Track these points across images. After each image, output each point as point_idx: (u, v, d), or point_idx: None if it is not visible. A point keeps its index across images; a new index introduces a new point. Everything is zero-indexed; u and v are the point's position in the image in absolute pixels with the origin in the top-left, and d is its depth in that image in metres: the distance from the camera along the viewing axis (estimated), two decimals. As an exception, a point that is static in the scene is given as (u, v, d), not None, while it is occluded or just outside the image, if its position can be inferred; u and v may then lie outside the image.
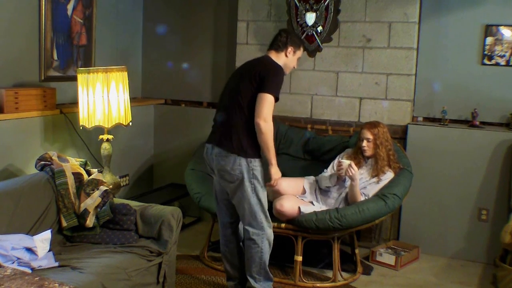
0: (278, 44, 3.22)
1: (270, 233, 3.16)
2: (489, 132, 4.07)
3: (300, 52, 3.30)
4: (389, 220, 4.29)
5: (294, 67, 3.32)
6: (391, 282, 3.76)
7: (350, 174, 3.55)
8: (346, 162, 3.59)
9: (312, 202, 3.71)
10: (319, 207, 3.66)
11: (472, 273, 3.95)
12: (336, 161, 3.93)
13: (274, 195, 3.69)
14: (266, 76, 3.02)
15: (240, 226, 3.25)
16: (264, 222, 3.12)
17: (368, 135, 3.73)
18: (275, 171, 3.12)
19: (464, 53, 4.25)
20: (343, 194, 3.73)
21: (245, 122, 3.04)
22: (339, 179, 3.76)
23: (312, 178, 3.94)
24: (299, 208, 3.54)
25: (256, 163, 3.06)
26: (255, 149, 3.06)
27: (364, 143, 3.74)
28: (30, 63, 3.81)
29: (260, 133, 2.98)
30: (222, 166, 3.06)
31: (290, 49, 3.22)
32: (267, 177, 3.14)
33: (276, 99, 3.03)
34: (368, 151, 3.75)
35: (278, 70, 3.11)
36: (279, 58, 3.20)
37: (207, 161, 3.20)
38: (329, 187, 3.79)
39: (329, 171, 3.89)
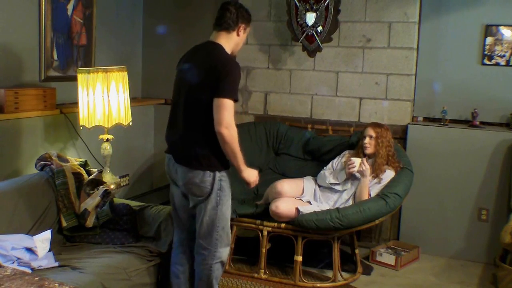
0: (228, 22, 2.77)
1: (224, 253, 2.85)
2: (489, 132, 4.07)
3: (249, 28, 2.90)
4: (389, 220, 4.29)
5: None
6: (391, 282, 3.75)
7: (362, 169, 3.57)
8: (357, 159, 3.62)
9: (309, 202, 3.71)
10: (316, 205, 3.66)
11: (472, 273, 3.95)
12: (336, 161, 3.94)
13: (275, 196, 3.70)
14: (221, 77, 2.60)
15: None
16: (219, 240, 2.80)
17: (371, 132, 3.76)
18: (247, 174, 2.80)
19: (464, 53, 4.25)
20: (350, 192, 3.73)
21: (206, 131, 2.67)
22: (347, 176, 3.76)
23: (310, 178, 3.94)
24: (296, 209, 3.54)
25: (224, 174, 2.76)
26: (221, 160, 2.73)
27: (366, 140, 3.76)
28: (30, 63, 3.80)
29: (224, 143, 2.62)
30: (190, 178, 2.73)
31: (241, 26, 2.81)
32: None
33: (235, 101, 2.65)
34: (369, 149, 3.76)
35: (234, 67, 2.68)
36: (231, 40, 2.80)
37: (169, 173, 2.88)
38: (334, 184, 3.79)
39: (328, 170, 3.90)
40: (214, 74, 2.63)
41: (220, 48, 2.76)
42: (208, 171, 2.72)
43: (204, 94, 2.65)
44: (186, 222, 2.93)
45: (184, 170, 2.75)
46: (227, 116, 2.59)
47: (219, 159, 2.73)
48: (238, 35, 2.83)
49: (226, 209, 2.82)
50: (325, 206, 3.68)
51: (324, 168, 3.94)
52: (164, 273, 3.04)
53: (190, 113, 2.74)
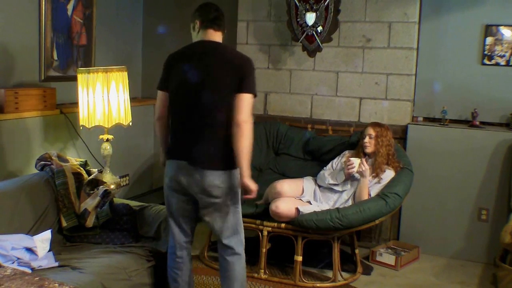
0: (223, 24, 2.81)
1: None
2: (489, 132, 4.07)
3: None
4: (389, 220, 4.29)
5: None
6: (391, 282, 3.75)
7: (362, 170, 3.57)
8: (356, 159, 3.61)
9: (309, 202, 3.71)
10: (316, 205, 3.66)
11: (472, 273, 3.95)
12: (335, 161, 3.94)
13: (275, 196, 3.70)
14: (246, 74, 2.66)
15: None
16: (243, 237, 2.85)
17: (371, 131, 3.76)
18: (251, 181, 2.72)
19: (464, 53, 4.25)
20: (350, 192, 3.73)
21: (227, 130, 2.65)
22: (346, 176, 3.76)
23: (310, 178, 3.94)
24: (296, 208, 3.55)
25: (238, 172, 2.73)
26: (234, 157, 2.68)
27: (366, 139, 3.76)
28: (30, 63, 3.81)
29: (246, 137, 2.61)
30: (211, 181, 2.66)
31: (225, 28, 2.85)
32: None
33: (255, 96, 2.71)
34: (369, 148, 3.76)
35: (253, 64, 2.76)
36: (220, 40, 2.82)
37: (177, 181, 2.74)
38: (333, 184, 3.79)
39: (328, 170, 3.90)
40: (240, 72, 2.66)
41: (230, 47, 2.81)
42: (229, 170, 2.70)
43: (228, 92, 2.65)
44: (186, 226, 2.88)
45: (204, 174, 2.66)
46: (250, 110, 2.65)
47: (232, 155, 2.68)
48: (222, 34, 2.85)
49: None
50: (325, 206, 3.68)
51: (324, 168, 3.94)
52: (164, 273, 3.04)
53: (210, 113, 2.68)
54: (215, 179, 2.67)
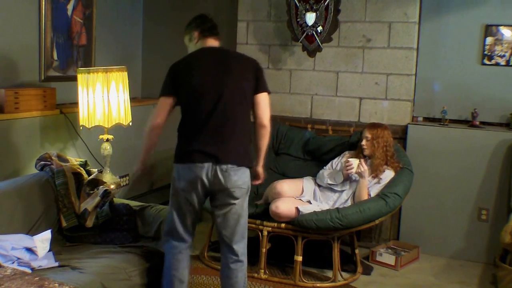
0: (217, 31, 2.95)
1: None
2: (489, 132, 4.07)
3: None
4: (389, 220, 4.29)
5: None
6: (391, 282, 3.75)
7: (361, 171, 3.57)
8: (355, 160, 3.61)
9: (309, 201, 3.71)
10: (316, 205, 3.66)
11: (472, 273, 3.95)
12: (335, 160, 3.94)
13: (274, 196, 3.70)
14: (261, 74, 2.83)
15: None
16: (246, 241, 2.89)
17: (367, 134, 3.77)
18: (263, 171, 2.95)
19: (464, 53, 4.25)
20: (349, 192, 3.73)
21: (248, 126, 2.80)
22: (345, 177, 3.76)
23: (310, 178, 3.94)
24: (297, 208, 3.55)
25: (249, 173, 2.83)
26: (252, 156, 2.82)
27: (364, 142, 3.77)
28: (30, 63, 3.80)
29: (267, 137, 2.81)
30: (235, 182, 2.71)
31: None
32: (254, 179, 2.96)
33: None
34: (367, 150, 3.77)
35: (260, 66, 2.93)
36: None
37: (204, 183, 2.71)
38: (332, 185, 3.79)
39: (327, 170, 3.90)
40: (256, 72, 2.81)
41: (235, 50, 2.94)
42: (247, 168, 2.78)
43: (249, 92, 2.78)
44: (190, 226, 2.88)
45: (229, 175, 2.69)
46: (269, 109, 2.82)
47: (250, 153, 2.80)
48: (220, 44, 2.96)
49: None
50: (325, 206, 3.68)
51: (324, 167, 3.95)
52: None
53: (235, 114, 2.74)
54: (238, 180, 2.71)
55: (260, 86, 2.79)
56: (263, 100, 2.79)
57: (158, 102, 2.85)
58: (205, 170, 2.69)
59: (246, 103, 2.78)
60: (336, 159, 3.95)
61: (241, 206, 2.80)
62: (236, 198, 2.75)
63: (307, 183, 3.86)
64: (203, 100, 2.74)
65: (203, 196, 2.79)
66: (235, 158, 2.71)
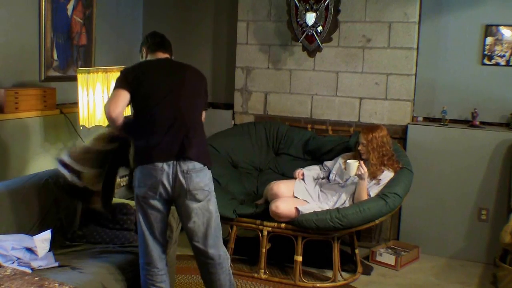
0: (167, 45, 2.98)
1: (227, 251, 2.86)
2: (489, 132, 4.07)
3: None
4: (389, 220, 4.29)
5: None
6: (391, 282, 3.76)
7: (361, 173, 3.57)
8: (355, 162, 3.60)
9: (306, 200, 3.70)
10: (315, 203, 3.65)
11: (472, 273, 3.95)
12: (330, 164, 3.94)
13: (272, 197, 3.70)
14: (206, 92, 2.97)
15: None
16: (222, 239, 2.81)
17: (363, 139, 3.75)
18: None
19: (464, 53, 4.25)
20: (348, 193, 3.72)
21: (202, 126, 2.86)
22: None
23: (312, 174, 3.92)
24: (296, 208, 3.54)
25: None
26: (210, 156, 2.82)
27: (360, 147, 3.77)
28: (30, 63, 3.80)
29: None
30: (197, 183, 2.65)
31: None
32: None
33: None
34: (364, 155, 3.77)
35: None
36: None
37: (165, 186, 2.64)
38: (332, 182, 3.80)
39: (315, 170, 3.95)
40: (204, 83, 2.93)
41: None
42: (208, 169, 2.74)
43: (202, 96, 2.90)
44: (161, 236, 2.79)
45: (191, 176, 2.63)
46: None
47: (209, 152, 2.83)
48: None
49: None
50: (325, 206, 3.68)
51: (323, 166, 3.95)
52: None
53: (193, 115, 2.78)
54: (200, 181, 2.66)
55: (206, 99, 2.96)
56: (203, 113, 2.93)
57: (115, 93, 2.72)
58: (169, 169, 2.63)
59: (201, 105, 2.88)
60: (335, 161, 3.95)
61: (207, 208, 2.71)
62: (200, 201, 2.67)
63: (298, 183, 3.83)
64: (164, 103, 2.72)
65: (165, 203, 2.72)
66: (197, 156, 2.67)
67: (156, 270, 2.77)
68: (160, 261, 2.79)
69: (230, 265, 2.86)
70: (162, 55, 2.90)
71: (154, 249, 2.76)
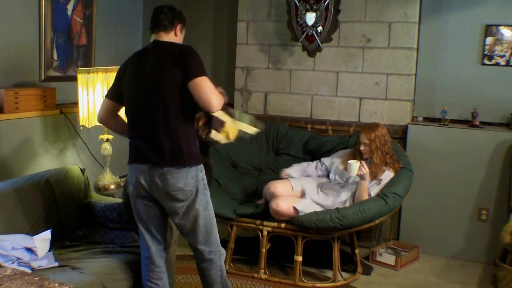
0: (164, 23, 2.70)
1: (222, 248, 2.83)
2: (489, 132, 4.07)
3: (184, 29, 2.84)
4: (389, 220, 4.29)
5: None
6: (391, 282, 3.76)
7: (362, 173, 3.56)
8: (356, 162, 3.59)
9: (304, 196, 3.70)
10: (310, 198, 3.64)
11: (472, 273, 3.95)
12: (328, 162, 3.95)
13: (271, 197, 3.70)
14: (185, 63, 2.55)
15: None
16: (217, 237, 2.78)
17: (365, 139, 3.74)
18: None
19: (464, 53, 4.25)
20: (348, 193, 3.72)
21: (180, 123, 2.59)
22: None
23: (296, 174, 3.94)
24: (294, 208, 3.54)
25: (203, 170, 2.68)
26: (198, 152, 2.66)
27: (362, 147, 3.76)
28: (30, 63, 3.81)
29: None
30: (173, 184, 2.57)
31: (178, 26, 2.77)
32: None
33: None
34: (366, 155, 3.76)
35: (191, 49, 2.63)
36: (170, 39, 2.72)
37: (143, 186, 2.62)
38: (332, 182, 3.81)
39: (311, 166, 3.97)
40: (179, 60, 2.58)
41: (165, 42, 2.70)
42: (189, 167, 2.60)
43: (173, 85, 2.56)
44: (158, 233, 2.76)
45: (166, 178, 2.57)
46: (213, 92, 2.56)
47: (195, 149, 2.64)
48: (176, 35, 2.75)
49: (211, 205, 2.76)
50: (323, 201, 3.67)
51: (320, 164, 3.97)
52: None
53: (161, 111, 2.58)
54: (177, 182, 2.58)
55: (187, 74, 2.53)
56: (195, 86, 2.52)
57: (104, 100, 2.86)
58: (144, 172, 2.61)
59: (174, 98, 2.56)
60: (327, 159, 3.95)
61: (193, 208, 2.65)
62: (181, 200, 2.62)
63: (294, 180, 3.83)
64: (134, 102, 2.67)
65: (151, 200, 2.67)
66: (167, 161, 2.56)
67: (153, 266, 2.77)
68: (159, 258, 2.77)
69: (229, 264, 2.86)
70: (155, 37, 2.71)
71: (152, 245, 2.75)
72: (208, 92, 2.52)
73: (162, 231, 2.78)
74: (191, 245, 2.78)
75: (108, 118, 2.83)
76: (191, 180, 2.61)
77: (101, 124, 2.97)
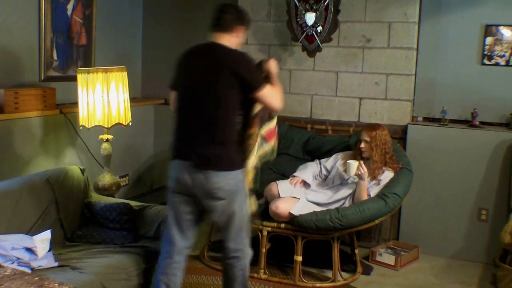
0: (226, 24, 2.73)
1: (249, 246, 2.89)
2: (489, 132, 4.07)
3: (246, 31, 2.88)
4: (389, 220, 4.29)
5: None
6: (391, 282, 3.76)
7: (360, 173, 3.57)
8: (355, 162, 3.60)
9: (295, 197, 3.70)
10: (304, 199, 3.64)
11: (472, 273, 3.95)
12: (329, 163, 3.95)
13: (271, 198, 3.70)
14: (243, 74, 2.62)
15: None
16: (247, 236, 2.84)
17: (366, 137, 3.75)
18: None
19: (464, 53, 4.25)
20: (347, 192, 3.72)
21: (225, 126, 2.68)
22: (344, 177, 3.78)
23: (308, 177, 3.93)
24: (289, 213, 3.54)
25: (243, 173, 2.76)
26: (240, 157, 2.76)
27: (362, 144, 3.77)
28: (30, 63, 3.81)
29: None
30: (215, 183, 2.63)
31: (240, 28, 2.78)
32: None
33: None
34: (366, 153, 3.77)
35: (249, 59, 2.73)
36: (230, 42, 2.75)
37: (185, 183, 2.68)
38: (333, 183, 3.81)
39: (311, 167, 3.96)
40: (237, 71, 2.65)
41: (225, 47, 2.74)
42: (233, 171, 2.69)
43: (229, 92, 2.67)
44: (189, 230, 2.81)
45: (207, 176, 2.63)
46: (276, 99, 2.81)
47: (238, 154, 2.75)
48: (236, 37, 2.79)
49: (248, 206, 2.85)
50: (316, 197, 3.67)
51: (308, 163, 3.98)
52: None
53: (214, 113, 2.67)
54: (219, 181, 2.64)
55: (249, 86, 2.66)
56: (260, 97, 2.71)
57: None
58: (188, 169, 2.67)
59: (227, 103, 2.66)
60: (327, 161, 3.95)
61: (230, 208, 2.71)
62: (221, 199, 2.67)
63: (281, 183, 3.83)
64: (188, 98, 2.73)
65: (190, 197, 2.73)
66: (212, 163, 2.64)
67: (171, 261, 2.80)
68: (180, 254, 2.81)
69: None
70: (215, 37, 2.74)
71: (178, 240, 2.78)
72: (271, 99, 2.73)
73: (192, 229, 2.83)
74: (222, 240, 2.84)
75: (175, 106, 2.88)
76: (232, 181, 2.67)
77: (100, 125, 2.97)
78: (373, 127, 3.82)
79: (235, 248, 2.80)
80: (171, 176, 2.78)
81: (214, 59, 2.69)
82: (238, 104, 2.69)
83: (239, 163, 2.73)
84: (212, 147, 2.65)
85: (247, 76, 2.65)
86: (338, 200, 3.71)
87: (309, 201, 3.67)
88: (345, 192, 3.71)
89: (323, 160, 4.02)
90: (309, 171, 3.96)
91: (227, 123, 2.68)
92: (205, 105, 2.66)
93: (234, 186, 2.69)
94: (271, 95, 2.73)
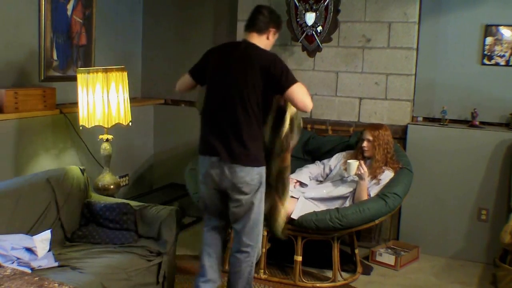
0: (259, 25, 2.87)
1: (260, 245, 3.01)
2: (489, 132, 4.07)
3: (278, 34, 3.03)
4: (389, 220, 4.29)
5: None
6: (391, 282, 3.76)
7: (360, 172, 3.57)
8: (355, 162, 3.60)
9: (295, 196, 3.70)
10: (302, 198, 3.64)
11: (472, 273, 3.95)
12: (331, 163, 3.94)
13: None
14: (274, 75, 2.74)
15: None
16: (260, 234, 2.94)
17: (369, 136, 3.76)
18: None
19: (464, 53, 4.25)
20: (349, 187, 3.72)
21: (252, 124, 2.77)
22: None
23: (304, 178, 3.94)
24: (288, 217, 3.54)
25: (264, 170, 2.87)
26: (263, 154, 2.85)
27: (365, 143, 3.77)
28: (30, 63, 3.81)
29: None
30: (242, 177, 2.75)
31: (272, 30, 2.94)
32: None
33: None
34: (368, 152, 3.77)
35: (278, 59, 2.83)
36: (261, 42, 2.89)
37: (213, 177, 2.81)
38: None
39: (313, 168, 3.97)
40: (270, 69, 2.77)
41: (258, 47, 2.87)
42: (258, 167, 2.80)
43: (256, 89, 2.77)
44: (219, 215, 2.97)
45: (234, 170, 2.75)
46: (307, 97, 2.89)
47: (262, 152, 2.84)
48: (268, 38, 2.92)
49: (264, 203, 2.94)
50: (315, 191, 3.68)
51: (308, 165, 3.96)
52: (164, 274, 3.04)
53: (240, 110, 2.76)
54: (245, 176, 2.75)
55: (280, 84, 2.77)
56: (288, 96, 2.80)
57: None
58: (215, 164, 2.79)
59: (254, 101, 2.75)
60: (329, 161, 3.95)
61: (251, 201, 2.82)
62: (245, 193, 2.79)
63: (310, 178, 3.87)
64: (217, 95, 2.83)
65: (218, 191, 2.86)
66: (239, 159, 2.75)
67: (207, 232, 3.00)
68: (213, 229, 3.00)
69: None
70: (247, 36, 2.88)
71: (211, 219, 2.99)
72: (303, 96, 2.80)
73: (220, 214, 2.97)
74: (235, 234, 2.94)
75: (184, 90, 3.11)
76: (256, 176, 2.79)
77: (100, 125, 3.00)
78: (376, 126, 3.83)
79: (247, 243, 2.89)
80: (200, 171, 2.92)
81: (245, 56, 2.80)
82: (267, 103, 2.82)
83: (262, 160, 2.84)
84: (239, 144, 2.75)
85: (278, 73, 2.74)
86: (338, 198, 3.71)
87: (307, 198, 3.67)
88: (344, 189, 3.71)
89: (325, 160, 4.02)
90: (304, 172, 3.97)
91: (254, 121, 2.77)
92: (234, 102, 2.75)
93: (258, 182, 2.80)
94: (302, 92, 2.81)
